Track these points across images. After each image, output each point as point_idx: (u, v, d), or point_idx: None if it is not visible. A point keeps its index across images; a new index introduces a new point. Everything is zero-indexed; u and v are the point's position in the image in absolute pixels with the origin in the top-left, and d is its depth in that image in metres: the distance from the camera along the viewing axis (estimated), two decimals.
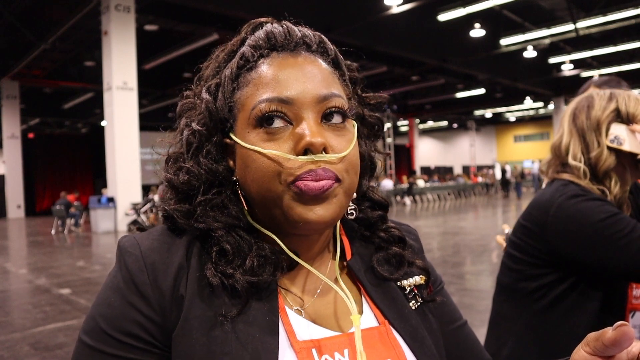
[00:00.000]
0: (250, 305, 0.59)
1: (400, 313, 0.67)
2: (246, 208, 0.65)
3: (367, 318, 0.65)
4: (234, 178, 0.64)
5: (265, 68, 0.62)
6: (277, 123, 0.60)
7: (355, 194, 0.66)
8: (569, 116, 1.28)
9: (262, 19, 0.68)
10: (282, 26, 0.66)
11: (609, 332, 0.45)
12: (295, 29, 0.66)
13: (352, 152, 0.62)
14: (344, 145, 0.61)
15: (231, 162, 0.65)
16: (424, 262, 0.75)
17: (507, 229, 1.96)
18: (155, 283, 0.58)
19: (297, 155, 0.58)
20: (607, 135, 1.21)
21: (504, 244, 1.72)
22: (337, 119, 0.62)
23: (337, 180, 0.59)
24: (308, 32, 0.66)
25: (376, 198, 0.75)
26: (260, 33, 0.65)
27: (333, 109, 0.61)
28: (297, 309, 0.63)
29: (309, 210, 0.58)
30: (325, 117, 0.61)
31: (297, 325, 0.60)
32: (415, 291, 0.70)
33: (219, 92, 0.65)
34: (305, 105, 0.60)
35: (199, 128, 0.64)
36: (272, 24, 0.66)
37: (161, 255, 0.60)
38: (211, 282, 0.58)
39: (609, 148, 1.20)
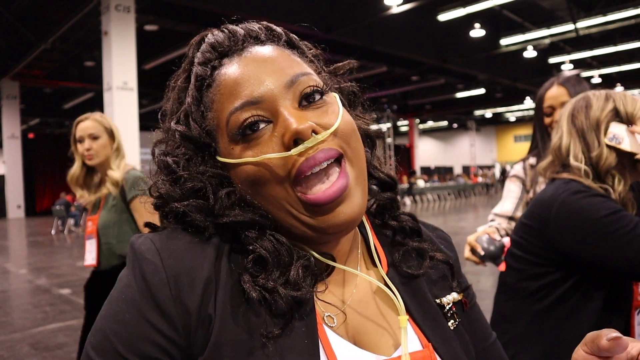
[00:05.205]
0: (292, 324, 0.52)
1: (443, 335, 0.61)
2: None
3: (410, 340, 0.58)
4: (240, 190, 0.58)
5: (221, 79, 0.58)
6: (256, 127, 0.55)
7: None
8: (567, 117, 1.28)
9: (203, 33, 0.65)
10: (223, 31, 0.63)
11: (603, 338, 0.46)
12: (237, 28, 0.62)
13: (343, 122, 0.57)
14: (332, 119, 0.57)
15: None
16: (457, 264, 0.70)
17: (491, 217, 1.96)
18: (179, 299, 0.50)
19: (288, 149, 0.53)
20: (605, 134, 1.21)
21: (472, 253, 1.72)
22: (315, 97, 0.58)
23: (340, 156, 0.55)
24: (253, 25, 0.63)
25: (381, 176, 0.68)
26: (204, 47, 0.62)
27: (308, 90, 0.57)
28: (334, 326, 0.56)
29: (331, 215, 0.53)
30: (304, 99, 0.57)
31: (339, 350, 0.54)
32: (454, 309, 0.65)
33: (190, 122, 0.60)
34: (276, 97, 0.56)
35: (183, 150, 0.60)
36: (212, 33, 0.63)
37: (185, 265, 0.51)
38: (249, 297, 0.51)
39: (609, 147, 1.20)
